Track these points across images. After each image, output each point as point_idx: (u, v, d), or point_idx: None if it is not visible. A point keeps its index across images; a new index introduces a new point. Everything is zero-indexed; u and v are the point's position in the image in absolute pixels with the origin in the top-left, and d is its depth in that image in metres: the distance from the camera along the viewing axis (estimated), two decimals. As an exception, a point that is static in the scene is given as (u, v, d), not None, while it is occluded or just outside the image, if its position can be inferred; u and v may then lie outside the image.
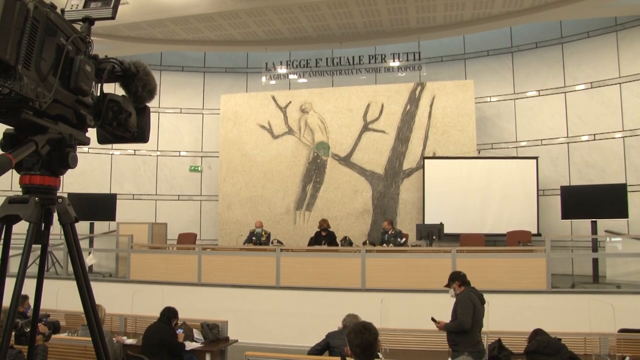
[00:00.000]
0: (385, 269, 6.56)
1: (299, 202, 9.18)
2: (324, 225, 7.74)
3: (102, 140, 1.32)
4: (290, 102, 9.36)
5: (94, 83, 1.17)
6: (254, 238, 7.76)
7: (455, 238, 7.84)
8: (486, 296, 3.85)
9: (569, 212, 7.24)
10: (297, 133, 9.28)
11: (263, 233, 7.81)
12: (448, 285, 3.83)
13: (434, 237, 7.01)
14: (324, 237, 7.68)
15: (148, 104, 1.37)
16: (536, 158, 8.26)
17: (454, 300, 3.84)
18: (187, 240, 8.35)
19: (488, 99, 9.17)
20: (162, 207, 9.83)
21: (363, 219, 8.90)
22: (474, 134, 8.56)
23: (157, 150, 9.89)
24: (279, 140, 9.33)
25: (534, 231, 7.81)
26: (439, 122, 8.74)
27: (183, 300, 5.98)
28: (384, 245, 7.17)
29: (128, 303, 5.21)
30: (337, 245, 7.64)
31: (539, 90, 8.80)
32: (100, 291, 6.97)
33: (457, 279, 3.83)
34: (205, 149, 10.10)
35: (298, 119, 9.31)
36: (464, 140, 8.56)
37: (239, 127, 9.46)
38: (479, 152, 8.67)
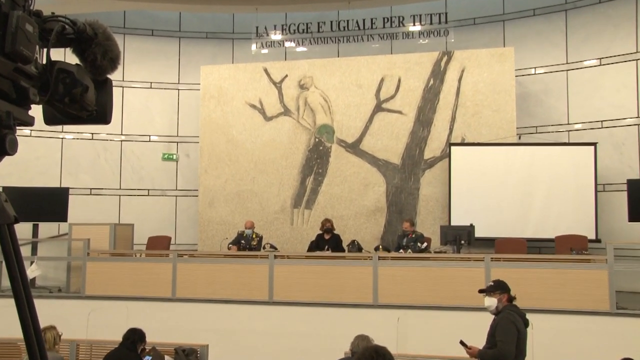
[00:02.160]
0: (402, 281, 6.59)
1: (297, 198, 9.19)
2: (327, 226, 7.74)
3: (50, 120, 1.26)
4: (286, 75, 9.32)
5: (37, 47, 1.10)
6: (242, 242, 7.76)
7: (489, 243, 7.84)
8: (529, 317, 3.81)
9: (638, 212, 7.12)
10: (294, 114, 9.28)
11: (254, 236, 7.81)
12: (488, 293, 3.74)
13: (463, 241, 6.95)
14: (328, 241, 7.69)
15: (109, 76, 1.32)
16: (594, 144, 8.02)
17: (491, 318, 3.78)
18: (159, 245, 8.33)
19: (532, 71, 9.04)
20: (128, 205, 9.75)
21: (375, 219, 8.89)
22: (513, 115, 8.51)
23: (122, 134, 9.81)
24: (272, 123, 9.32)
25: (592, 236, 7.70)
26: (469, 100, 8.68)
27: (153, 320, 6.02)
28: (401, 251, 7.15)
29: (82, 325, 5.17)
30: (343, 250, 7.65)
31: (600, 59, 8.54)
32: (47, 310, 6.84)
33: (505, 289, 3.75)
34: (182, 132, 10.03)
35: (296, 97, 9.30)
36: (500, 123, 8.53)
37: (224, 106, 9.46)
38: (519, 138, 8.59)
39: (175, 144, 10.05)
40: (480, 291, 3.86)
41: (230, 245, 7.68)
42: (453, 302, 6.28)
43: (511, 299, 3.74)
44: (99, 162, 9.77)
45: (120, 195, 9.81)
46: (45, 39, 1.13)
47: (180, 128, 10.06)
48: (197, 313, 6.86)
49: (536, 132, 8.87)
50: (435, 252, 7.14)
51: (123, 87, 9.66)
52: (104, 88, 1.28)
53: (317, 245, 7.74)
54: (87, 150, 9.70)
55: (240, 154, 9.34)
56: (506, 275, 5.69)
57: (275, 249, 7.69)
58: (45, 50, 1.15)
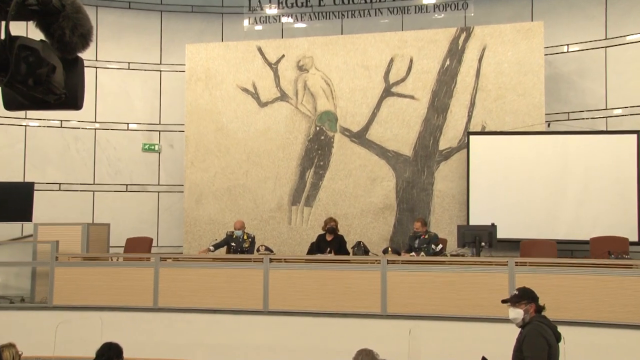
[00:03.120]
0: (414, 288, 6.57)
1: (296, 194, 9.19)
2: (331, 225, 7.74)
3: (11, 104, 1.23)
4: (283, 55, 9.31)
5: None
6: (232, 244, 7.75)
7: (514, 246, 7.84)
8: (561, 330, 3.78)
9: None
10: (292, 99, 9.28)
11: (245, 237, 7.79)
12: (513, 304, 3.72)
13: (483, 243, 6.94)
14: (330, 243, 7.69)
15: (80, 55, 1.29)
16: (637, 132, 7.96)
17: (517, 331, 3.75)
18: (138, 247, 8.35)
19: (565, 49, 8.96)
20: (104, 202, 9.76)
21: (383, 218, 8.91)
22: (542, 99, 8.45)
23: (95, 122, 9.80)
24: (267, 110, 9.31)
25: (633, 238, 7.63)
26: (491, 83, 8.66)
27: (132, 333, 6.07)
28: (413, 254, 7.16)
29: (49, 340, 5.13)
30: (347, 253, 7.66)
31: (645, 33, 8.51)
32: (7, 324, 6.88)
33: (533, 299, 3.73)
34: (164, 120, 10.03)
35: (294, 80, 9.29)
36: (527, 109, 8.49)
37: (212, 90, 9.44)
38: (548, 126, 8.59)
39: (157, 133, 10.03)
40: (504, 301, 3.81)
41: (211, 248, 7.62)
42: (472, 312, 6.26)
43: (540, 309, 3.72)
44: (69, 153, 9.72)
45: (94, 191, 9.79)
46: (3, 10, 1.10)
47: (163, 115, 10.04)
48: (182, 325, 6.83)
49: (568, 119, 8.83)
50: (452, 256, 7.16)
51: (96, 67, 9.63)
52: (74, 68, 1.25)
53: (318, 247, 7.74)
54: (55, 139, 9.63)
55: (231, 144, 9.33)
56: (533, 282, 5.67)
57: (271, 251, 7.67)
58: (3, 23, 1.11)
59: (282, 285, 6.87)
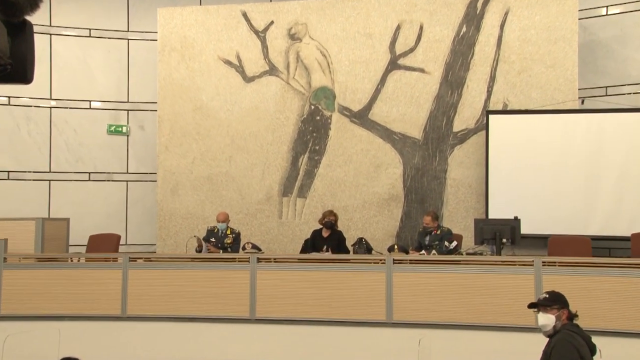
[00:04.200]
0: (424, 291, 6.58)
1: (287, 183, 9.21)
2: (328, 219, 7.72)
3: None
4: (272, 22, 9.29)
5: None
6: (213, 240, 7.75)
7: (540, 242, 7.86)
8: (596, 341, 3.74)
9: None
10: (283, 73, 9.27)
11: (229, 232, 7.80)
12: (543, 308, 3.70)
13: (505, 240, 6.97)
14: (327, 240, 7.69)
15: (29, 18, 1.24)
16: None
17: (543, 342, 3.72)
18: (104, 246, 8.34)
19: (603, 11, 8.91)
20: (62, 193, 9.72)
21: (389, 210, 8.93)
22: (574, 72, 8.42)
23: (51, 99, 9.73)
24: (254, 85, 9.30)
25: (683, 234, 7.62)
26: (514, 53, 8.64)
27: (96, 346, 6.00)
28: (423, 252, 7.17)
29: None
30: (347, 252, 7.68)
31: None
32: None
33: (565, 304, 3.71)
34: (133, 97, 10.00)
35: (285, 51, 9.27)
36: (557, 83, 8.47)
37: (190, 62, 9.40)
38: (582, 102, 8.55)
39: (125, 112, 10.01)
40: (531, 306, 3.78)
41: (205, 246, 7.64)
42: (492, 319, 6.26)
43: (572, 316, 3.69)
44: (19, 136, 9.67)
45: (50, 181, 9.74)
46: None
47: (132, 91, 10.01)
48: (155, 336, 6.79)
49: (606, 95, 8.78)
50: (468, 254, 7.16)
51: (50, 34, 9.57)
52: (22, 34, 1.22)
53: (313, 245, 7.75)
54: (2, 120, 9.59)
55: (212, 125, 9.32)
56: (563, 285, 5.70)
57: (259, 249, 7.68)
58: None
59: (272, 289, 6.87)
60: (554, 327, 3.63)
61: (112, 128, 9.93)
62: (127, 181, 9.97)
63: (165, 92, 9.39)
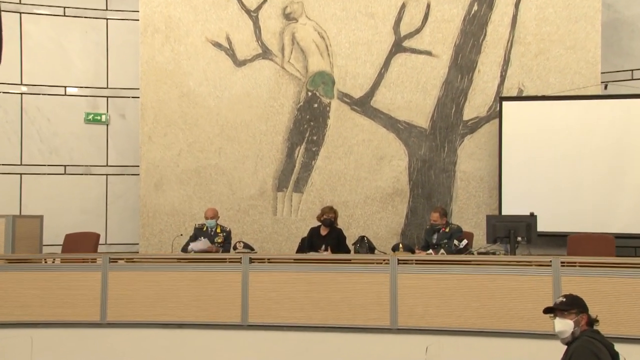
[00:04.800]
0: (432, 294, 6.54)
1: (283, 177, 9.20)
2: (327, 216, 7.69)
3: None
4: (265, 0, 9.26)
5: None
6: (201, 239, 7.68)
7: (558, 241, 7.84)
8: (620, 349, 3.70)
9: None
10: (278, 57, 9.25)
11: (219, 230, 7.77)
12: (560, 313, 3.66)
13: (520, 238, 6.95)
14: (326, 238, 7.68)
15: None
16: None
17: (561, 349, 3.69)
18: (81, 245, 8.28)
19: (629, -13, 8.99)
20: (34, 188, 9.70)
21: (393, 206, 8.94)
22: (597, 54, 8.42)
23: (22, 84, 9.70)
24: (246, 70, 9.27)
25: None
26: (530, 33, 8.64)
27: (73, 355, 6.06)
28: (431, 252, 7.18)
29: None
30: (348, 251, 7.69)
31: None
32: None
33: (585, 308, 3.67)
34: (113, 83, 9.96)
35: (280, 32, 9.25)
36: (577, 66, 8.47)
37: (175, 44, 9.36)
38: (605, 87, 8.52)
39: (104, 99, 9.97)
40: (547, 310, 3.75)
41: (190, 248, 7.63)
42: (505, 325, 6.24)
43: (592, 322, 3.67)
44: (-14, 125, 9.72)
45: (21, 174, 9.72)
46: None
47: (111, 76, 9.97)
48: (138, 344, 6.76)
49: (632, 79, 8.77)
50: (480, 254, 7.14)
51: (20, 12, 9.53)
52: None
53: (310, 244, 7.73)
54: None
55: (201, 114, 9.30)
56: (584, 288, 5.79)
57: (251, 249, 7.68)
58: None
59: (266, 292, 6.84)
60: (572, 333, 3.60)
61: (90, 117, 9.88)
62: (106, 175, 9.94)
63: (148, 78, 9.32)
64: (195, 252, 7.40)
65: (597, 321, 3.66)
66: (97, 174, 9.89)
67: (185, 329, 6.85)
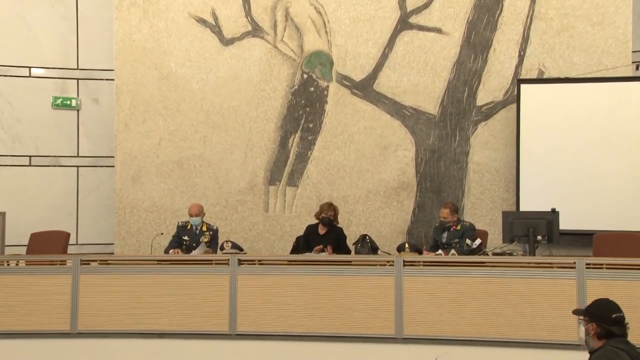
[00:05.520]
0: (441, 300, 6.55)
1: (275, 169, 9.20)
2: (327, 215, 7.68)
3: None
4: (255, -30, 9.29)
5: None
6: (185, 238, 7.72)
7: (584, 240, 7.85)
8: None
9: None
10: (269, 35, 9.23)
11: (205, 228, 7.79)
12: (579, 319, 3.63)
13: (540, 237, 6.94)
14: (324, 238, 7.69)
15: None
16: None
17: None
18: (49, 245, 8.30)
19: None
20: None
21: (398, 202, 8.94)
22: (628, 30, 8.42)
23: (-20, 64, 9.75)
24: (234, 49, 9.26)
25: None
26: (553, 7, 8.64)
27: None
28: (440, 252, 7.18)
29: None
30: (348, 251, 7.72)
31: None
32: None
33: (596, 317, 3.59)
34: (85, 63, 9.93)
35: (272, 7, 9.25)
36: (605, 45, 8.47)
37: (155, 20, 9.31)
38: (637, 68, 8.63)
39: (75, 81, 9.93)
40: (577, 312, 3.73)
41: (172, 251, 7.68)
42: (524, 334, 6.23)
43: (610, 331, 3.58)
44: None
45: (-21, 166, 9.83)
46: None
47: (82, 56, 9.93)
48: (112, 355, 6.70)
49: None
50: (495, 255, 7.17)
51: None
52: None
53: (307, 243, 7.74)
54: None
55: (183, 98, 9.28)
56: (612, 292, 5.74)
57: (240, 250, 7.70)
58: None
59: (256, 298, 6.84)
60: (586, 342, 3.57)
61: (59, 101, 9.85)
62: (77, 166, 9.91)
63: (124, 57, 9.29)
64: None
65: (624, 330, 3.57)
66: (66, 165, 9.87)
67: (166, 339, 6.84)
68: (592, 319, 3.55)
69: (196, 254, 7.46)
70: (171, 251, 7.64)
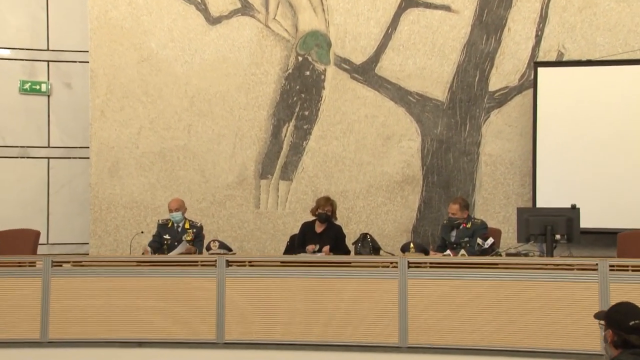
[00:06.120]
0: (450, 305, 6.56)
1: (267, 161, 9.21)
2: (324, 211, 7.69)
3: None
4: (244, -59, 9.25)
5: None
6: (166, 237, 7.75)
7: (606, 239, 7.86)
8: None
9: None
10: (261, 13, 9.26)
11: (187, 226, 7.83)
12: (599, 324, 3.59)
13: (558, 236, 6.93)
14: (321, 236, 7.71)
15: None
16: None
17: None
18: (17, 245, 8.29)
19: None
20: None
21: (402, 197, 8.96)
22: None
23: (-62, 45, 9.81)
24: (222, 29, 9.28)
25: None
26: None
27: None
28: (449, 253, 7.19)
29: None
30: (347, 252, 7.74)
31: None
32: None
33: (614, 323, 3.53)
34: (56, 44, 9.93)
35: None
36: (632, 23, 8.49)
37: None
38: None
39: (45, 64, 9.92)
40: (598, 316, 3.67)
41: (149, 249, 7.69)
42: (542, 342, 6.23)
43: (626, 340, 3.53)
44: None
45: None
46: None
47: (53, 35, 9.93)
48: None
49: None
50: (509, 255, 7.18)
51: None
52: None
53: (302, 243, 7.76)
54: None
55: (165, 83, 9.29)
56: (638, 296, 5.57)
57: (229, 250, 7.68)
58: None
59: (246, 303, 6.85)
60: (605, 350, 3.53)
61: (27, 86, 9.84)
62: (48, 158, 9.90)
63: (99, 37, 9.29)
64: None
65: (636, 344, 3.51)
66: (36, 157, 9.88)
67: (147, 348, 6.84)
68: (608, 325, 3.52)
69: (176, 253, 7.44)
70: (142, 251, 7.64)
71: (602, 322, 3.52)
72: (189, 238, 7.69)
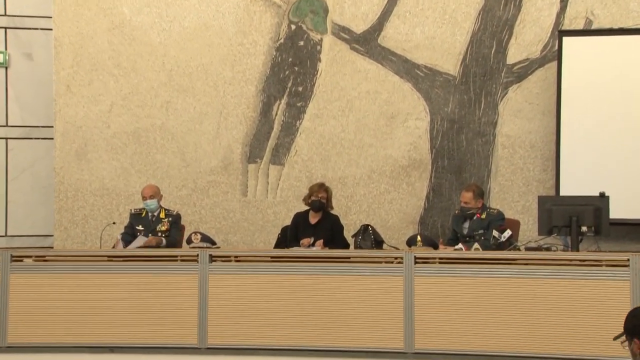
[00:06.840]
0: (462, 306, 6.61)
1: (256, 143, 9.25)
2: (317, 198, 7.75)
3: None
4: None
5: None
6: (139, 228, 7.84)
7: (639, 232, 8.02)
8: None
9: None
10: None
11: (163, 215, 7.91)
12: (627, 337, 3.57)
13: (585, 228, 6.89)
14: (316, 228, 7.80)
15: None
16: None
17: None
18: None
19: None
20: None
21: (408, 183, 9.01)
22: None
23: None
24: None
25: None
26: None
27: None
28: (461, 247, 7.25)
29: None
30: (346, 245, 7.81)
31: None
32: None
33: (636, 329, 3.54)
34: (14, 9, 9.96)
35: None
36: None
37: None
38: None
39: (2, 31, 9.94)
40: (616, 338, 3.67)
41: (118, 238, 7.79)
42: (566, 348, 6.26)
43: None
44: None
45: None
46: None
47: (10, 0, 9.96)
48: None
49: None
50: (528, 249, 7.20)
51: None
52: None
53: (294, 235, 7.85)
54: None
55: (140, 54, 9.33)
56: None
57: (212, 243, 7.74)
58: None
59: (232, 303, 6.91)
60: None
61: None
62: (6, 139, 9.95)
63: (64, 1, 9.29)
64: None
65: None
66: (-8, 138, 9.89)
67: (120, 354, 6.90)
68: (631, 335, 3.48)
69: (133, 247, 7.46)
70: (114, 245, 7.71)
71: (622, 337, 3.49)
72: (163, 228, 7.73)
